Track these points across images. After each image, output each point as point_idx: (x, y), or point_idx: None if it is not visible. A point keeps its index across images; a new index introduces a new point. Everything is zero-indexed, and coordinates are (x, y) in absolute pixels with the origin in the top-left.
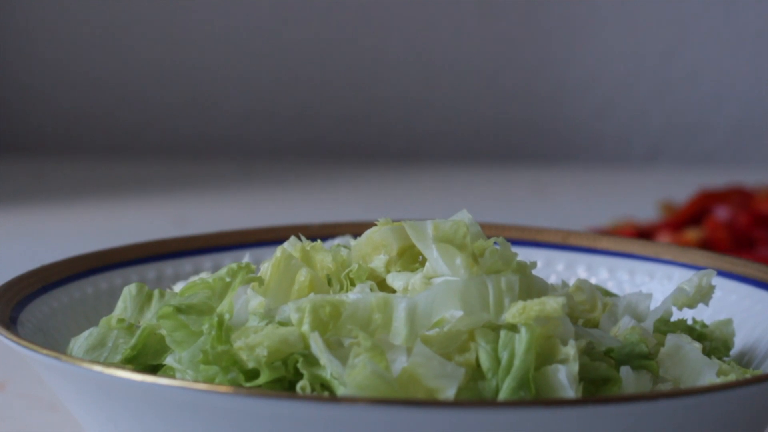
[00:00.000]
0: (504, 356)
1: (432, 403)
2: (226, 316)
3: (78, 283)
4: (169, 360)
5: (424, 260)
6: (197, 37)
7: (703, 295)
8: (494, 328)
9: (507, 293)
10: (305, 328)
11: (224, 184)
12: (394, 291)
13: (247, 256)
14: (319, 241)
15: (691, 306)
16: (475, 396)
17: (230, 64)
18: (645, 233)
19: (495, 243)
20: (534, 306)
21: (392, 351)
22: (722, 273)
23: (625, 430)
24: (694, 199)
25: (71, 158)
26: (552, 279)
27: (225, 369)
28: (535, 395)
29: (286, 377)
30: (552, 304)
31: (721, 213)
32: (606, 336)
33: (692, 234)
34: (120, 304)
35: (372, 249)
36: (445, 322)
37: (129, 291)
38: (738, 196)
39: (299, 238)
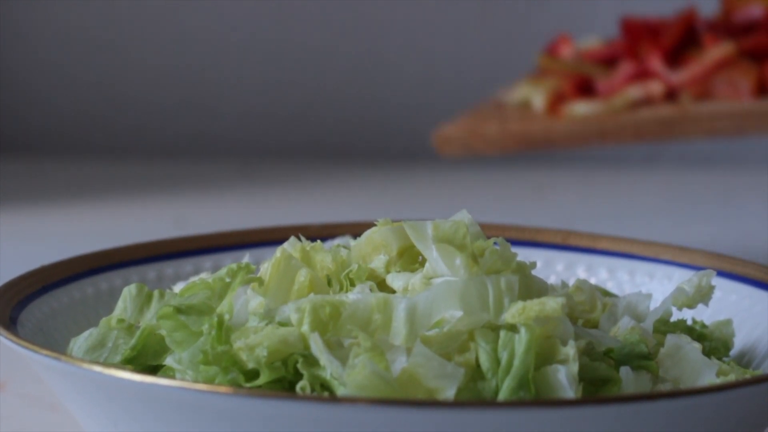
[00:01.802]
0: (504, 356)
1: (432, 403)
2: (226, 317)
3: (78, 283)
4: (169, 360)
5: (424, 260)
6: (197, 38)
7: (703, 295)
8: (494, 329)
9: (507, 293)
10: (305, 328)
11: (224, 184)
12: (394, 291)
13: (247, 257)
14: (318, 241)
15: (691, 306)
16: (474, 396)
17: (230, 65)
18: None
19: (495, 243)
20: (534, 306)
21: (392, 351)
22: (722, 273)
23: (625, 430)
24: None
25: (71, 158)
26: (552, 279)
27: (225, 369)
28: (534, 395)
29: (286, 377)
30: (552, 304)
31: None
32: (606, 336)
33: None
34: (120, 305)
35: (372, 249)
36: (445, 323)
37: (129, 291)
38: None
39: (299, 239)
